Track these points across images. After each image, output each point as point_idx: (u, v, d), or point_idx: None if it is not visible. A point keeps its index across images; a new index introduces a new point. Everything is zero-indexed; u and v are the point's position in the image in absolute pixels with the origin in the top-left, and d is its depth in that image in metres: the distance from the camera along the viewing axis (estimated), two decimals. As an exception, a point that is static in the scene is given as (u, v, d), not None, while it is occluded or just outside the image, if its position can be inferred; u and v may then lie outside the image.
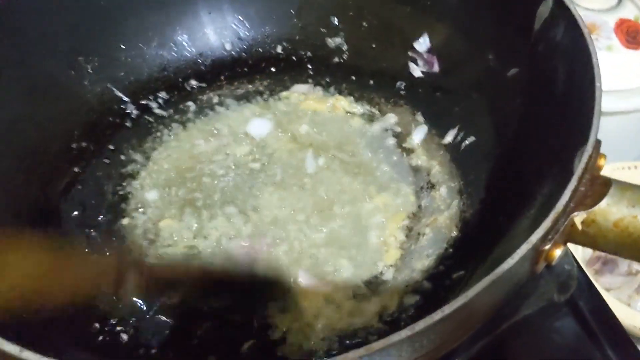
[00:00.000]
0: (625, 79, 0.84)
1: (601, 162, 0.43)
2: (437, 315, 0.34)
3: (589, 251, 0.82)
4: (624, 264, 0.82)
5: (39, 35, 0.61)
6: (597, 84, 0.45)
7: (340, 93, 0.72)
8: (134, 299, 0.55)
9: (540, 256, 0.39)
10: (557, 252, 0.39)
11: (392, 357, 0.35)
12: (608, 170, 0.82)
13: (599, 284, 0.76)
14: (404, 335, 0.33)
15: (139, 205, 0.62)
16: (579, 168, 0.39)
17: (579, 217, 0.40)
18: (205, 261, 0.58)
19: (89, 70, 0.66)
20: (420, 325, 0.33)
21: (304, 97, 0.72)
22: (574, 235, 0.41)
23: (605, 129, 0.86)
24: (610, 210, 0.39)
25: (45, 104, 0.62)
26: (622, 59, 0.85)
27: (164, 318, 0.54)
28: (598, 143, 0.43)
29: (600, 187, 0.40)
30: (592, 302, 0.61)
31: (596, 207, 0.40)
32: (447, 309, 0.34)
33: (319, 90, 0.73)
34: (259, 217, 0.61)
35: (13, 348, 0.33)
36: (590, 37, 0.48)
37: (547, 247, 0.38)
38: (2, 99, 0.57)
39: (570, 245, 0.61)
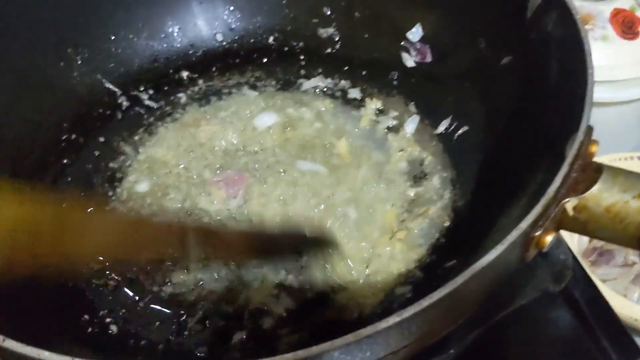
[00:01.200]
0: (621, 69, 0.84)
1: (593, 148, 0.42)
2: (426, 301, 0.33)
3: (585, 242, 0.81)
4: (620, 255, 0.82)
5: (27, 27, 0.61)
6: (590, 71, 0.44)
7: (332, 84, 0.71)
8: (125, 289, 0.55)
9: (531, 243, 0.39)
10: (549, 239, 0.39)
11: (379, 344, 0.35)
12: (604, 161, 0.80)
13: (595, 275, 0.75)
14: (392, 322, 0.33)
15: (129, 197, 0.62)
16: (571, 154, 0.39)
17: (570, 204, 0.40)
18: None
19: (79, 62, 0.66)
20: (409, 312, 0.33)
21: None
22: (565, 222, 0.40)
23: (601, 120, 0.85)
24: (602, 195, 0.39)
25: (34, 96, 0.61)
26: (617, 49, 0.84)
27: (154, 309, 0.54)
28: (590, 129, 0.42)
29: (591, 173, 0.40)
30: (587, 292, 0.61)
31: (588, 193, 0.39)
32: (436, 296, 0.34)
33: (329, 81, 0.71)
34: (248, 206, 0.60)
35: (-5, 337, 0.32)
36: (583, 24, 0.47)
37: (537, 233, 0.38)
38: (-10, 90, 0.57)
39: (566, 237, 0.62)
